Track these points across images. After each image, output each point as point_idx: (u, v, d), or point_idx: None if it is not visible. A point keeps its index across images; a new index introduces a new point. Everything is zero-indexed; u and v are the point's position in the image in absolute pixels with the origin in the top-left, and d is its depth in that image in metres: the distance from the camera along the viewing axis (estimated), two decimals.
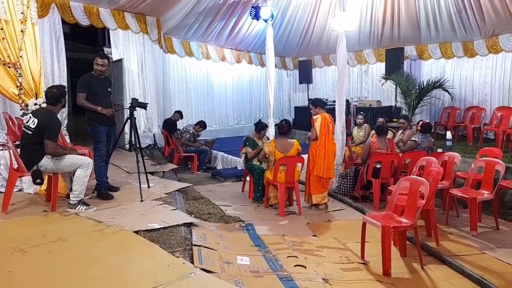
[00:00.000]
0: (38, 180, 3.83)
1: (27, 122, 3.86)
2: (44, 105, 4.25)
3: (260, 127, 5.79)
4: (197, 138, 7.93)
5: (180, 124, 8.22)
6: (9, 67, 4.50)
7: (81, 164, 3.91)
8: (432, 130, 8.41)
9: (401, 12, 9.34)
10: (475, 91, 9.23)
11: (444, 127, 8.95)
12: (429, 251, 3.61)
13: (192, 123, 8.23)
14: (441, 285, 3.04)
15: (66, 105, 6.76)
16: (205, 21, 9.20)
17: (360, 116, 7.21)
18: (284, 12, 10.00)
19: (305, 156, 5.24)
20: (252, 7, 7.58)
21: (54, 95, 3.92)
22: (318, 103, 5.19)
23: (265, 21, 7.18)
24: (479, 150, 5.54)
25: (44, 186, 4.34)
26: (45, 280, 2.54)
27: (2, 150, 4.80)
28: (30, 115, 3.93)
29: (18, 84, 4.55)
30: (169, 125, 7.89)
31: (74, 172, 3.94)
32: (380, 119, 6.59)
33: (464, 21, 8.57)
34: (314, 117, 5.06)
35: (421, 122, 5.74)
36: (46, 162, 3.81)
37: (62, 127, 6.28)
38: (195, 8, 8.50)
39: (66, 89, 4.18)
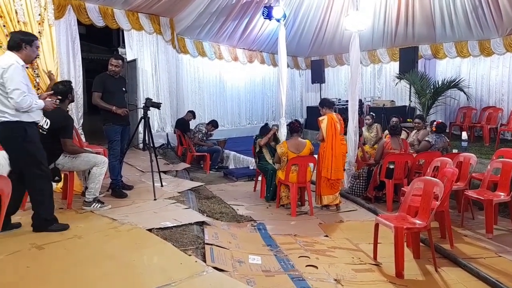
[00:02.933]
0: (57, 178, 3.91)
1: (40, 122, 3.92)
2: None
3: (262, 131, 5.70)
4: (210, 138, 7.97)
5: (193, 124, 8.29)
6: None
7: (96, 163, 3.97)
8: (447, 130, 8.30)
9: (415, 10, 9.21)
10: (492, 91, 9.05)
11: (459, 128, 8.81)
12: (443, 253, 3.56)
13: (204, 122, 8.29)
14: None
15: (82, 104, 6.97)
16: (217, 21, 9.25)
17: (368, 117, 7.14)
18: (296, 11, 9.97)
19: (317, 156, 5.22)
20: (264, 7, 7.59)
21: (60, 91, 3.94)
22: (325, 103, 5.14)
23: (278, 20, 7.17)
24: (496, 151, 5.43)
25: (60, 184, 4.43)
26: (61, 276, 2.59)
27: None
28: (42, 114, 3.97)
29: (36, 84, 4.66)
30: (181, 125, 7.96)
31: (90, 171, 4.01)
32: (394, 119, 6.52)
33: (481, 19, 8.41)
34: (320, 118, 5.04)
35: (435, 123, 5.65)
36: (63, 160, 3.89)
37: (78, 127, 6.42)
38: (208, 9, 8.55)
39: (73, 84, 4.23)
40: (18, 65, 3.12)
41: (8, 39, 3.19)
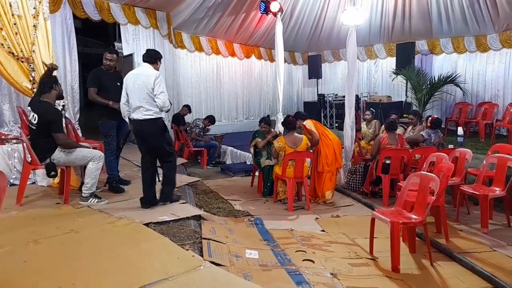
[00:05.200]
0: (53, 173, 3.89)
1: (29, 117, 3.90)
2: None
3: (261, 120, 5.79)
4: (207, 133, 7.96)
5: (189, 118, 8.25)
6: (22, 61, 4.56)
7: (92, 158, 3.96)
8: (443, 126, 8.32)
9: (412, 6, 9.21)
10: (488, 87, 9.09)
11: (455, 123, 8.84)
12: (439, 247, 3.59)
13: (201, 118, 8.26)
14: (451, 282, 3.02)
15: (78, 99, 6.92)
16: (214, 16, 9.19)
17: (367, 112, 7.14)
18: (293, 6, 9.93)
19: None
20: (261, 2, 7.55)
21: (45, 83, 3.92)
22: (299, 116, 5.43)
23: (275, 15, 7.15)
24: (491, 146, 5.46)
25: (57, 179, 4.42)
26: (58, 271, 2.59)
27: (16, 143, 4.90)
28: (29, 108, 3.94)
29: (31, 78, 4.61)
30: (177, 119, 7.93)
31: (86, 166, 3.99)
32: (393, 116, 6.54)
33: (477, 14, 8.42)
34: (303, 123, 5.25)
35: (430, 118, 5.67)
36: (58, 155, 3.87)
37: (74, 122, 6.38)
38: (204, 3, 8.49)
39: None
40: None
41: (144, 53, 4.05)
